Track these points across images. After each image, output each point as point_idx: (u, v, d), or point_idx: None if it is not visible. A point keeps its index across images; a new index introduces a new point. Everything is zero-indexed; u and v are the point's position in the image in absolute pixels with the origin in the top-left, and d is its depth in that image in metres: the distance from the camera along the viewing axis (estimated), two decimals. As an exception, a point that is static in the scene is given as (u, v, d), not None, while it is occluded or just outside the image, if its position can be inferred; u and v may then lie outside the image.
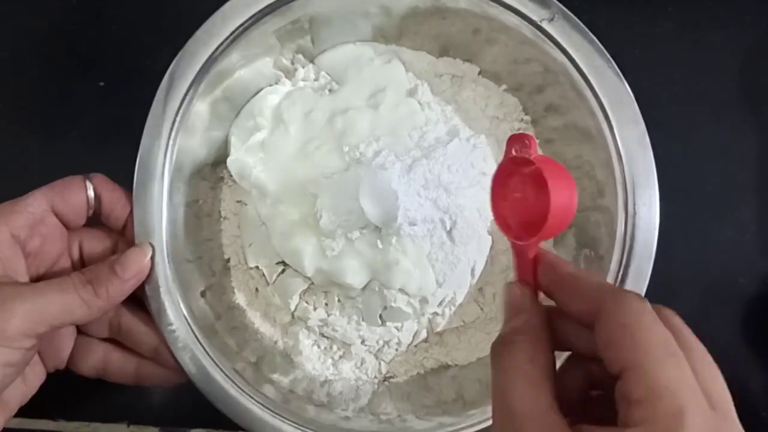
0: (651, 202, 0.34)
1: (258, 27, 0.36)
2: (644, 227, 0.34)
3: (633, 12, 0.47)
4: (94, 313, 0.31)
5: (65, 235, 0.34)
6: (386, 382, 0.41)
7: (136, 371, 0.35)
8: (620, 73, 0.35)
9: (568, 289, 0.25)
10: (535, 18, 0.35)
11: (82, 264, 0.35)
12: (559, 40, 0.35)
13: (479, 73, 0.41)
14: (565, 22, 0.35)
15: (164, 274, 0.34)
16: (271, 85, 0.40)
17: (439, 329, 0.40)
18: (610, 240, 0.35)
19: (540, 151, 0.34)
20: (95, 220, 0.35)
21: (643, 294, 0.34)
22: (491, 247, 0.39)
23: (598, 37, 0.35)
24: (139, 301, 0.35)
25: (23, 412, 0.44)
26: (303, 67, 0.41)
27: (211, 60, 0.35)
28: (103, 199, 0.34)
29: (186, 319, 0.34)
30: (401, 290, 0.37)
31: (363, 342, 0.39)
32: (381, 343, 0.40)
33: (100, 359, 0.35)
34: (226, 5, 0.35)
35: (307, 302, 0.40)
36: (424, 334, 0.40)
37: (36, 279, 0.33)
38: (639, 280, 0.34)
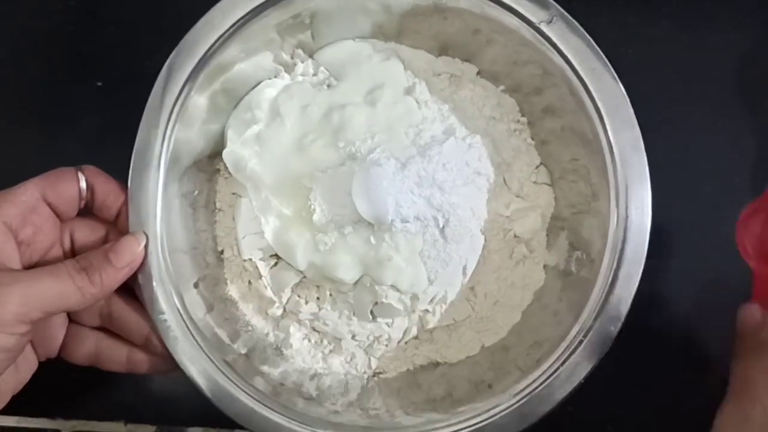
0: (643, 206, 0.34)
1: (259, 20, 0.36)
2: (636, 230, 0.34)
3: (630, 12, 0.47)
4: (88, 300, 0.31)
5: (58, 225, 0.34)
6: (376, 378, 0.41)
7: (127, 359, 0.35)
8: (616, 76, 0.35)
9: None
10: (533, 20, 0.35)
11: (73, 254, 0.35)
12: (557, 42, 0.35)
13: (478, 73, 0.41)
14: (563, 24, 0.35)
15: (157, 263, 0.34)
16: (270, 79, 0.40)
17: (429, 326, 0.40)
18: (602, 243, 0.35)
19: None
20: (87, 211, 0.35)
21: (633, 296, 0.34)
22: (483, 247, 0.40)
23: (594, 38, 0.35)
24: (131, 289, 0.35)
25: (21, 410, 0.45)
26: (302, 62, 0.41)
27: (211, 52, 0.35)
28: (95, 189, 0.34)
29: (178, 309, 0.34)
30: (393, 286, 0.37)
31: (353, 337, 0.40)
32: (371, 338, 0.40)
33: (92, 347, 0.35)
34: (227, -3, 0.35)
35: (299, 296, 0.40)
36: (414, 331, 0.40)
37: (28, 268, 0.33)
38: (629, 283, 0.34)
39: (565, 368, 0.34)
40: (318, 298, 0.40)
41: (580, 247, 0.38)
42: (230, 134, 0.40)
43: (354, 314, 0.39)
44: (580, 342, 0.34)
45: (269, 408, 0.35)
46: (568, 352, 0.34)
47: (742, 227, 0.36)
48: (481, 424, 0.34)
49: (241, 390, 0.35)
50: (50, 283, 0.30)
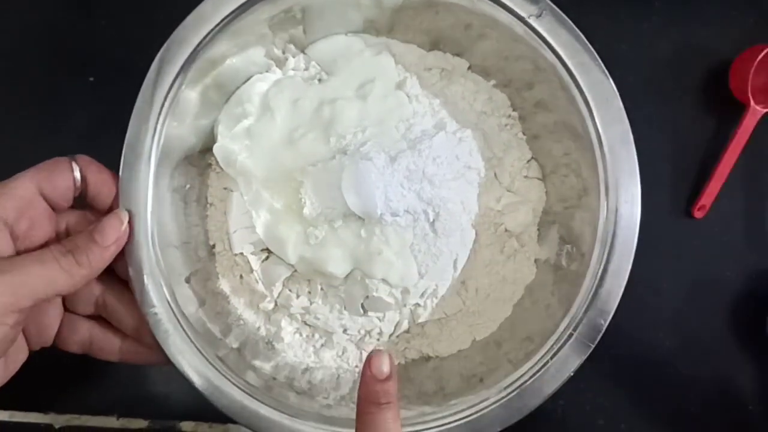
0: (633, 201, 0.35)
1: (250, 14, 0.36)
2: (625, 225, 0.34)
3: (621, 7, 0.47)
4: (78, 281, 0.31)
5: (53, 217, 0.34)
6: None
7: (120, 350, 0.36)
8: (606, 70, 0.35)
9: None
10: (523, 14, 0.35)
11: None
12: (547, 36, 0.35)
13: (469, 68, 0.42)
14: (552, 18, 0.35)
15: (148, 257, 0.34)
16: (261, 73, 0.40)
17: (420, 320, 0.40)
18: (592, 237, 0.36)
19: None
20: (80, 200, 0.35)
21: (622, 290, 0.34)
22: (474, 241, 0.40)
23: (585, 33, 0.35)
24: (125, 281, 0.35)
25: (14, 405, 0.45)
26: (294, 57, 0.41)
27: (201, 46, 0.35)
28: (89, 180, 0.34)
29: (169, 303, 0.34)
30: (383, 280, 0.37)
31: (345, 331, 0.40)
32: (362, 332, 0.40)
33: (85, 336, 0.35)
34: (218, -9, 0.35)
35: (290, 290, 0.40)
36: (405, 325, 0.40)
37: None
38: (618, 277, 0.34)
39: (554, 361, 0.34)
40: (309, 292, 0.40)
41: (570, 241, 0.38)
42: (221, 129, 0.40)
43: (345, 308, 0.39)
44: (570, 335, 0.34)
45: (261, 402, 0.35)
46: (558, 346, 0.34)
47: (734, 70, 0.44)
48: (472, 417, 0.34)
49: (233, 384, 0.35)
50: (37, 269, 0.30)
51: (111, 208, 0.35)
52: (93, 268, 0.32)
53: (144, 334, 0.34)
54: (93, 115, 0.46)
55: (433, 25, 0.40)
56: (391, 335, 0.41)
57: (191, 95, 0.37)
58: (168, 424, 0.45)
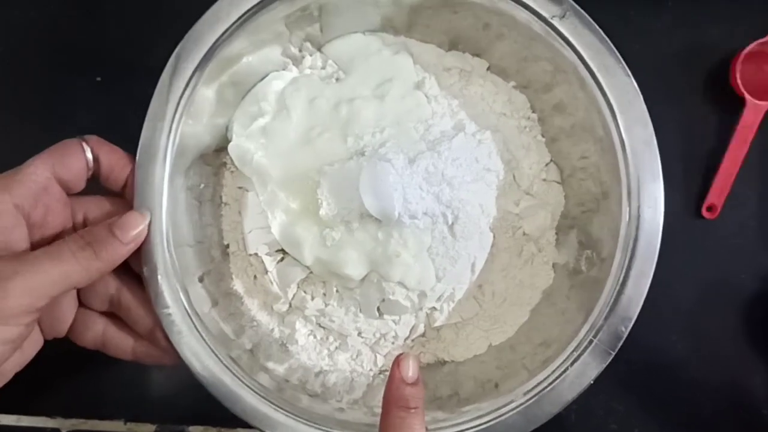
0: (656, 204, 0.34)
1: (267, 12, 0.36)
2: (648, 229, 0.34)
3: (632, 6, 0.46)
4: (93, 275, 0.31)
5: (68, 203, 0.33)
6: (381, 375, 0.40)
7: (132, 349, 0.35)
8: (629, 72, 0.34)
9: None
10: (546, 14, 0.35)
11: None
12: (570, 37, 0.35)
13: (488, 69, 0.41)
14: (576, 19, 0.35)
15: (162, 257, 0.34)
16: (278, 71, 0.40)
17: (436, 324, 0.40)
18: (612, 242, 0.35)
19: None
20: (93, 182, 0.35)
21: (644, 296, 0.34)
22: (492, 244, 0.39)
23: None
24: (140, 278, 0.34)
25: (21, 408, 0.44)
26: (311, 55, 0.41)
27: (218, 44, 0.35)
28: (101, 159, 0.34)
29: (183, 303, 0.34)
30: (400, 283, 0.37)
31: (359, 334, 0.39)
32: (378, 335, 0.39)
33: (99, 333, 0.35)
34: (235, -11, 0.35)
35: (305, 292, 0.39)
36: (421, 329, 0.40)
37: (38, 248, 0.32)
38: (640, 282, 0.34)
39: (574, 368, 0.33)
40: (324, 294, 0.39)
41: (590, 246, 0.38)
42: (236, 127, 0.39)
43: (360, 311, 0.39)
44: (590, 342, 0.34)
45: (273, 404, 0.34)
46: (578, 352, 0.34)
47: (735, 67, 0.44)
48: (491, 423, 0.34)
49: (245, 386, 0.34)
50: (52, 267, 0.30)
51: (126, 187, 0.34)
52: (109, 262, 0.31)
53: (158, 335, 0.34)
54: (100, 114, 0.46)
55: (451, 25, 0.39)
56: (406, 339, 0.40)
57: (207, 93, 0.36)
58: (176, 429, 0.45)
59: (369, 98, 0.39)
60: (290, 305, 0.40)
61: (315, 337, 0.40)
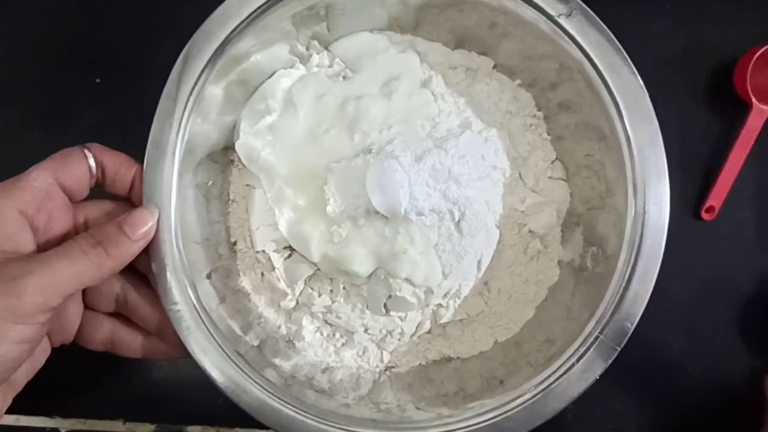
0: (661, 202, 0.34)
1: (274, 11, 0.36)
2: (653, 226, 0.34)
3: (631, 8, 0.47)
4: (105, 274, 0.31)
5: (71, 209, 0.34)
6: (387, 372, 0.41)
7: (142, 347, 0.35)
8: (635, 71, 0.35)
9: None
10: (552, 12, 0.35)
11: None
12: (576, 36, 0.35)
13: (494, 67, 0.41)
14: (582, 17, 0.35)
15: (171, 253, 0.34)
16: (285, 69, 0.40)
17: (443, 321, 0.40)
18: (618, 239, 0.35)
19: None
20: (97, 189, 0.35)
21: (649, 293, 0.34)
22: (498, 241, 0.39)
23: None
24: (145, 277, 0.35)
25: (20, 409, 0.45)
26: (318, 54, 0.41)
27: (227, 42, 0.35)
28: (105, 165, 0.34)
29: (191, 299, 0.34)
30: (407, 280, 0.37)
31: (366, 330, 0.39)
32: (384, 332, 0.40)
33: (107, 334, 0.35)
34: (244, -13, 0.35)
35: (312, 288, 0.40)
36: (427, 326, 0.40)
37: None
38: (645, 280, 0.34)
39: (580, 365, 0.34)
40: (331, 291, 0.39)
41: (595, 243, 0.38)
42: (243, 125, 0.40)
43: (367, 307, 0.39)
44: (596, 338, 0.34)
45: (280, 400, 0.34)
46: (583, 349, 0.34)
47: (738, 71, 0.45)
48: (497, 419, 0.34)
49: (252, 381, 0.34)
50: (65, 265, 0.30)
51: (132, 190, 0.34)
52: (120, 260, 0.31)
53: (166, 330, 0.34)
54: (100, 116, 0.46)
55: (457, 23, 0.40)
56: (412, 335, 0.40)
57: (215, 91, 0.37)
58: (175, 428, 0.45)
59: (376, 96, 0.39)
60: (297, 302, 0.40)
61: (322, 333, 0.40)
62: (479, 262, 0.39)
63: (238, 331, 0.38)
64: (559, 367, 0.34)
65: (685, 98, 0.46)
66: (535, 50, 0.38)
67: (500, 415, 0.34)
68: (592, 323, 0.34)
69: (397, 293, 0.37)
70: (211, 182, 0.39)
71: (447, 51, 0.41)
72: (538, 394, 0.34)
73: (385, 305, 0.39)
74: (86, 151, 0.33)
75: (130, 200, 0.35)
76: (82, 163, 0.33)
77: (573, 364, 0.34)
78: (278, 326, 0.40)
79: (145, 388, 0.45)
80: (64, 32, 0.47)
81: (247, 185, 0.41)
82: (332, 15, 0.39)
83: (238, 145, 0.39)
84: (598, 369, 0.34)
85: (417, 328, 0.40)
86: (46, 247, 0.32)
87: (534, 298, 0.40)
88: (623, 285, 0.34)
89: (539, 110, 0.41)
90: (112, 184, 0.34)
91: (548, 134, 0.41)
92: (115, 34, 0.47)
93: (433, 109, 0.39)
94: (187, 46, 0.35)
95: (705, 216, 0.46)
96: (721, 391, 0.46)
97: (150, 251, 0.34)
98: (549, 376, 0.34)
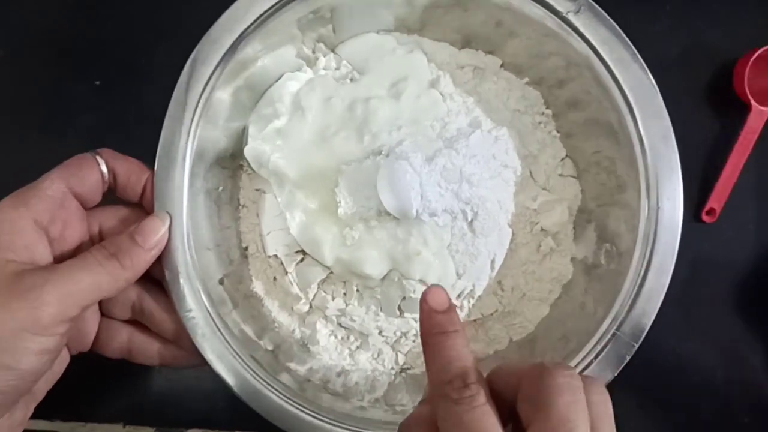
0: (675, 197, 0.34)
1: (280, 15, 0.36)
2: (667, 222, 0.34)
3: (631, 10, 0.46)
4: (121, 285, 0.31)
5: (85, 217, 0.33)
6: (403, 374, 0.40)
7: (159, 353, 0.35)
8: (645, 66, 0.35)
9: None
10: (560, 9, 0.35)
11: None
12: (584, 32, 0.35)
13: (501, 66, 0.41)
14: (590, 13, 0.35)
15: (184, 260, 0.34)
16: (292, 73, 0.40)
17: (457, 321, 0.40)
18: (631, 235, 0.35)
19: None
20: (109, 195, 0.35)
21: (665, 288, 0.34)
22: (511, 240, 0.39)
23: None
24: (160, 284, 0.35)
25: None
26: (324, 56, 0.41)
27: (234, 47, 0.35)
28: (116, 171, 0.34)
29: (205, 305, 0.34)
30: (421, 281, 0.37)
31: (380, 333, 0.39)
32: (398, 334, 0.40)
33: (124, 342, 0.35)
34: (249, -7, 0.35)
35: (325, 292, 0.39)
36: (441, 326, 0.40)
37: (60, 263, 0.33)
38: (661, 275, 0.34)
39: (598, 362, 0.34)
40: (345, 294, 0.39)
41: (608, 240, 0.38)
42: (251, 130, 0.39)
43: (381, 310, 0.39)
44: (614, 335, 0.34)
45: (295, 404, 0.34)
46: (601, 346, 0.34)
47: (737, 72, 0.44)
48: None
49: (268, 386, 0.34)
50: (82, 276, 0.30)
51: (143, 196, 0.34)
52: (135, 270, 0.31)
53: (183, 337, 0.34)
54: (99, 118, 0.46)
55: (463, 23, 0.40)
56: (427, 336, 0.40)
57: (223, 97, 0.37)
58: (174, 432, 0.45)
59: (384, 97, 0.39)
60: (311, 306, 0.40)
61: (336, 336, 0.40)
62: (493, 262, 0.39)
63: (253, 336, 0.38)
64: (576, 365, 0.34)
65: (685, 100, 0.46)
66: (542, 48, 0.38)
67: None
68: (608, 320, 0.34)
69: (411, 295, 0.37)
70: (221, 188, 0.39)
71: (454, 51, 0.41)
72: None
73: (399, 307, 0.38)
74: (98, 157, 0.33)
75: (142, 205, 0.35)
76: (95, 171, 0.33)
77: (591, 362, 0.34)
78: (292, 330, 0.40)
79: (145, 392, 0.45)
80: (63, 33, 0.47)
81: (257, 190, 0.41)
82: (338, 17, 0.39)
83: (247, 150, 0.39)
84: (616, 366, 0.33)
85: (431, 329, 0.40)
86: (62, 256, 0.32)
87: (548, 296, 0.40)
88: (638, 282, 0.34)
89: (548, 108, 0.41)
90: (123, 191, 0.34)
91: (557, 131, 0.41)
92: (115, 35, 0.47)
93: (442, 109, 0.39)
94: (194, 53, 0.35)
95: (706, 218, 0.45)
96: (723, 394, 0.45)
97: (163, 258, 0.34)
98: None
